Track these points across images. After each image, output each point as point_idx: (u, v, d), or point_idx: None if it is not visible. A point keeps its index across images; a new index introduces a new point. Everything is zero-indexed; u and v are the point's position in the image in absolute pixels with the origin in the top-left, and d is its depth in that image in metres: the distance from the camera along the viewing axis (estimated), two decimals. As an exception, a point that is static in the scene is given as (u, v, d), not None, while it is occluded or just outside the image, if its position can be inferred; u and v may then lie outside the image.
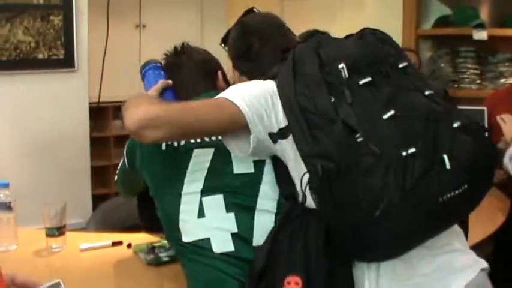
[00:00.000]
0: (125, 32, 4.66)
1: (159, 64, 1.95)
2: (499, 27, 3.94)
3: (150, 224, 2.30)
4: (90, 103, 3.74)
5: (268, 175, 1.66)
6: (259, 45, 1.70)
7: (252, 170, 1.67)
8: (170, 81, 1.86)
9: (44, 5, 3.45)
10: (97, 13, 3.80)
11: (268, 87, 1.53)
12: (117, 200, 3.17)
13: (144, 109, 1.46)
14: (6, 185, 2.18)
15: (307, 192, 1.39)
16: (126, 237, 2.22)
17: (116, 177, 2.00)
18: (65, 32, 3.52)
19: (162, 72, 1.93)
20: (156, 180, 1.75)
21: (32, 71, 3.50)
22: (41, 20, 3.46)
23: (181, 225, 1.64)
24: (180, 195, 1.66)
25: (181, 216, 1.65)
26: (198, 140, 1.70)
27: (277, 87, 1.52)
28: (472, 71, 4.06)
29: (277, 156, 1.60)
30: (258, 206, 1.63)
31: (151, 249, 2.07)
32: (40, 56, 3.49)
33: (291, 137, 1.47)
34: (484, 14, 4.09)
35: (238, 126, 1.50)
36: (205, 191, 1.64)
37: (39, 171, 3.55)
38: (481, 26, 3.84)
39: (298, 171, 1.47)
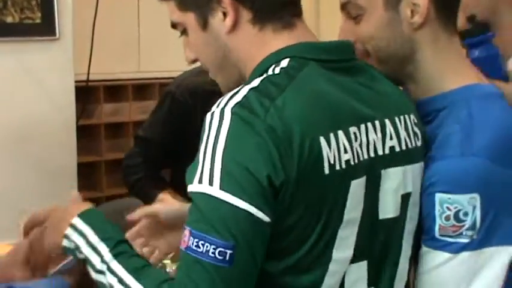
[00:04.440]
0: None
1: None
2: None
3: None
4: (76, 81, 3.59)
5: (413, 222, 1.44)
6: None
7: (399, 213, 1.41)
8: None
9: (12, -49, 3.35)
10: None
11: None
12: (111, 206, 3.14)
13: None
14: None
15: None
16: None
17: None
18: (42, -12, 3.38)
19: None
20: (300, 230, 1.29)
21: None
22: (9, -28, 3.35)
23: None
24: (327, 264, 1.32)
25: None
26: (356, 161, 1.32)
27: None
28: None
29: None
30: (397, 275, 1.43)
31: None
32: (9, 19, 3.32)
33: None
34: None
35: None
36: (354, 257, 1.35)
37: (12, 169, 3.40)
38: None
39: None
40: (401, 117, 1.41)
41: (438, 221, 1.38)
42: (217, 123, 1.24)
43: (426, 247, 1.41)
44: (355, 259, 1.35)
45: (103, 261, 1.37)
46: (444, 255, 1.38)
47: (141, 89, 4.83)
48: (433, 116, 1.46)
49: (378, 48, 1.46)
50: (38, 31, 3.37)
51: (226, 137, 1.22)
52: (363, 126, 1.34)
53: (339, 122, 1.30)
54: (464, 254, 1.37)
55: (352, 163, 1.31)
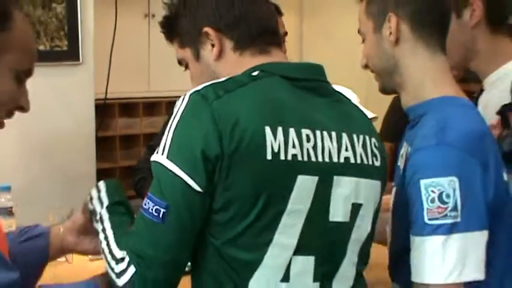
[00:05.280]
0: (133, 21, 4.67)
1: None
2: None
3: None
4: (96, 100, 3.72)
5: (360, 232, 1.48)
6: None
7: (348, 219, 1.45)
8: None
9: (45, -9, 3.38)
10: (104, 1, 3.78)
11: None
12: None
13: None
14: (7, 189, 2.16)
15: None
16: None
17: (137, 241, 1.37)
18: (69, 21, 3.47)
19: None
20: (238, 206, 1.34)
21: (33, 63, 3.44)
22: (42, 8, 3.40)
23: (252, 284, 1.38)
24: (266, 245, 1.35)
25: (259, 272, 1.36)
26: (305, 159, 1.36)
27: None
28: None
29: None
30: (339, 273, 1.46)
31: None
32: (41, 47, 3.42)
33: None
34: None
35: None
36: (300, 248, 1.38)
37: (41, 174, 3.51)
38: None
39: None
40: (361, 136, 1.45)
41: (425, 205, 1.40)
42: (179, 105, 1.36)
43: (417, 236, 1.42)
44: (301, 251, 1.37)
45: (100, 213, 1.53)
46: (435, 239, 1.39)
47: (150, 107, 5.01)
48: (417, 121, 1.54)
49: (373, 64, 1.61)
50: (65, 57, 3.49)
51: (180, 116, 1.34)
52: (318, 132, 1.38)
53: (291, 122, 1.35)
54: (454, 237, 1.39)
55: (299, 159, 1.35)
